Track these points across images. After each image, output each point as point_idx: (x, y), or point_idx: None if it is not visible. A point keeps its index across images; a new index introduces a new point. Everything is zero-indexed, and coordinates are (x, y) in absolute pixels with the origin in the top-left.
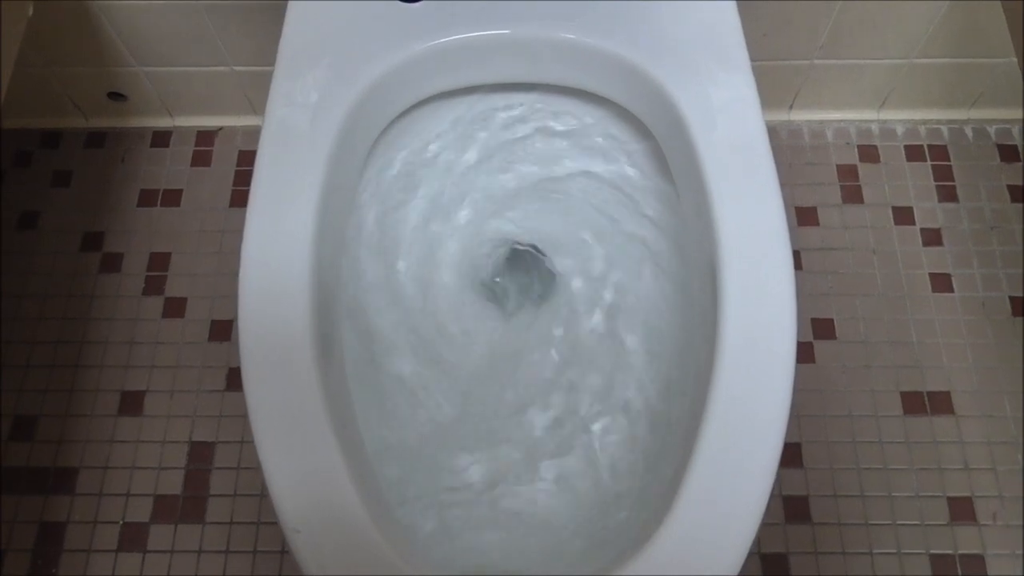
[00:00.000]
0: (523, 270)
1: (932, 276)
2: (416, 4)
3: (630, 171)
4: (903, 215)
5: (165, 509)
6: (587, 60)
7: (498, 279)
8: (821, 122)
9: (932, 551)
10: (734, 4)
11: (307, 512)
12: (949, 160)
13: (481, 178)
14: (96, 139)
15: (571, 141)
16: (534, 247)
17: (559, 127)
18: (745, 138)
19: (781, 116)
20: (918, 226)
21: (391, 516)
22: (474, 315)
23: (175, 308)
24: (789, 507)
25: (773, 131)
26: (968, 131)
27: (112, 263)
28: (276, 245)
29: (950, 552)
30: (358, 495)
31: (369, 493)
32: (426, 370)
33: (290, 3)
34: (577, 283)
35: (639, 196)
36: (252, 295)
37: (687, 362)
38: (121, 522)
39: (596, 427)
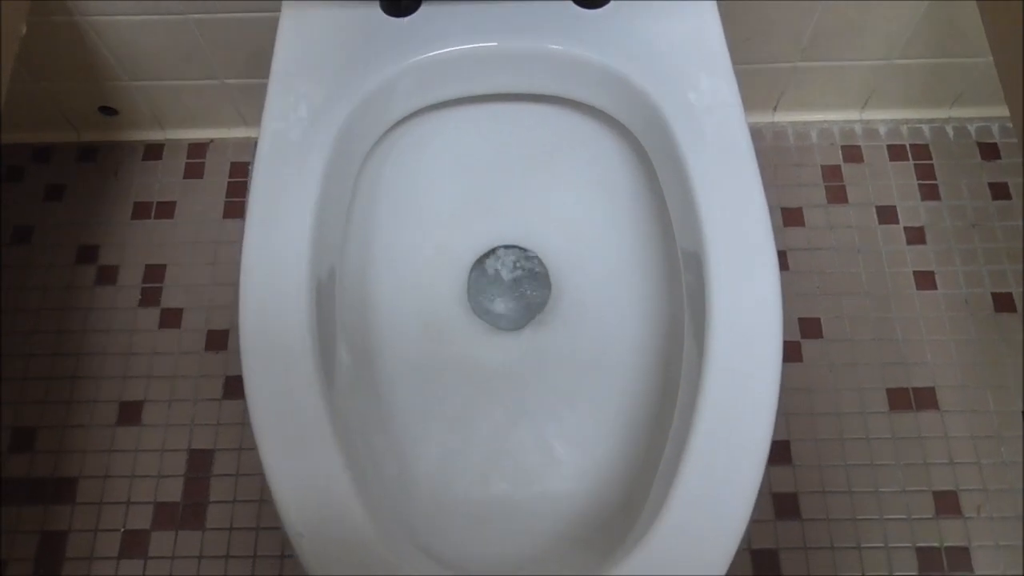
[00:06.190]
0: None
1: (916, 274)
2: (405, 19)
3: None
4: (887, 214)
5: (165, 516)
6: (573, 71)
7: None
8: (805, 123)
9: (918, 544)
10: (715, 10)
11: (310, 516)
12: (931, 159)
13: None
14: (88, 153)
15: None
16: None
17: None
18: (729, 141)
19: (766, 118)
20: (902, 225)
21: (392, 518)
22: (474, 329)
23: (171, 319)
24: (779, 504)
25: (758, 133)
26: (949, 130)
27: (107, 275)
28: (275, 258)
29: (936, 545)
30: (359, 499)
31: (370, 496)
32: (423, 383)
33: (282, 19)
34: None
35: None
36: (253, 305)
37: (673, 364)
38: (122, 529)
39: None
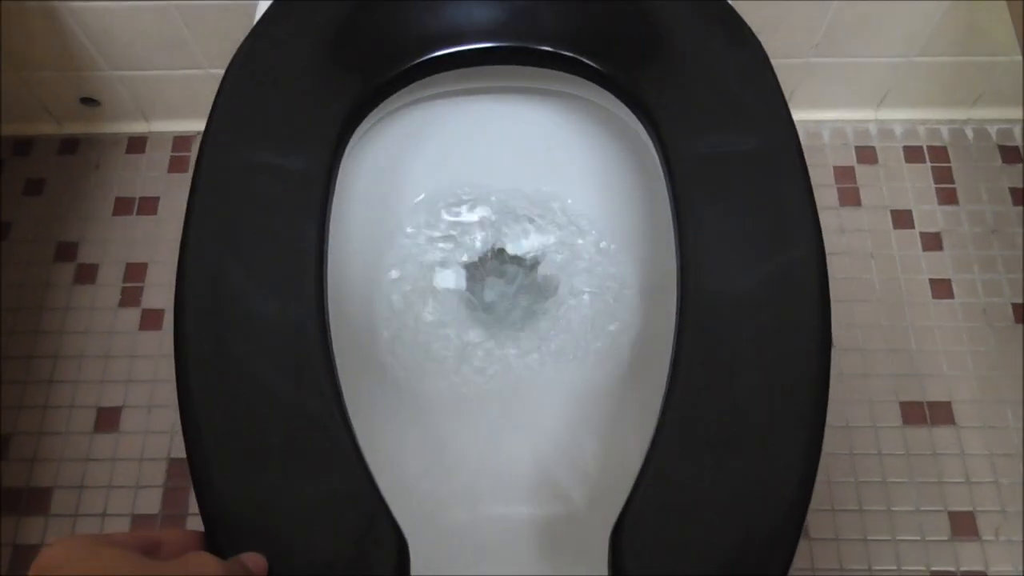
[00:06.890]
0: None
1: (932, 281)
2: None
3: None
4: (902, 218)
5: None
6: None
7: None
8: (817, 122)
9: (933, 568)
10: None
11: None
12: (949, 161)
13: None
14: (69, 146)
15: None
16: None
17: None
18: None
19: None
20: (917, 230)
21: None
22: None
23: (152, 320)
24: None
25: None
26: (969, 131)
27: (87, 274)
28: None
29: (952, 569)
30: None
31: None
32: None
33: (259, 4)
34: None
35: None
36: None
37: None
38: None
39: None
